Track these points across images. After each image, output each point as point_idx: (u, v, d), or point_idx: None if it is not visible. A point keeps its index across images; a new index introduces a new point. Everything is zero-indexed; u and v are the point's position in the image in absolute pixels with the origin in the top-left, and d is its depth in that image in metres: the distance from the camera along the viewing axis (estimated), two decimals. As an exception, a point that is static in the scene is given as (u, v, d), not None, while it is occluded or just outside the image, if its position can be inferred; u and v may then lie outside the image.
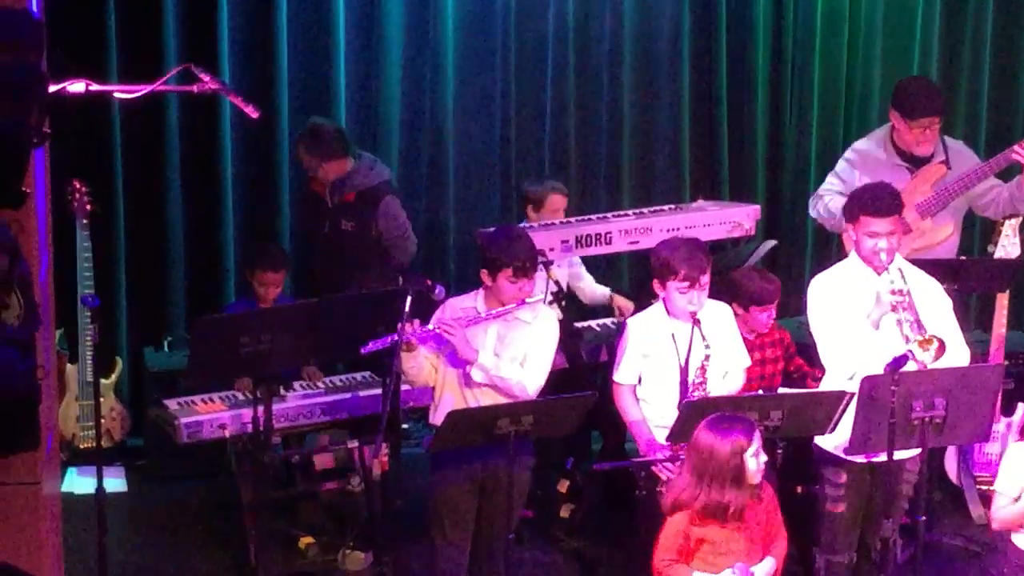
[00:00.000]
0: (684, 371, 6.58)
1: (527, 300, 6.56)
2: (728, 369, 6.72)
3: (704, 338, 6.50)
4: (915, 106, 7.85)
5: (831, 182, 8.10)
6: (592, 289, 8.45)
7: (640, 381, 6.71)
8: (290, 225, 9.06)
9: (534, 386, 6.58)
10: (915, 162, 7.94)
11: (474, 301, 6.66)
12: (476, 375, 6.53)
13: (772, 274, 7.62)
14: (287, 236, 9.02)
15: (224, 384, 7.55)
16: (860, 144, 8.20)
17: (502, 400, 6.51)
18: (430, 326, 6.53)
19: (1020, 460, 6.46)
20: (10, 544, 5.02)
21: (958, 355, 6.42)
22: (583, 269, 8.46)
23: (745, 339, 7.12)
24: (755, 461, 5.79)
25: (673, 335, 6.62)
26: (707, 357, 6.51)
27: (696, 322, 6.51)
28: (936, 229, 7.93)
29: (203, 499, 8.24)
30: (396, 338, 6.32)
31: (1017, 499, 6.38)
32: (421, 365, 6.56)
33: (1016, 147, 7.68)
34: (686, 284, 6.53)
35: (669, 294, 6.60)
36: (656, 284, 6.68)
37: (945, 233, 7.95)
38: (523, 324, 6.63)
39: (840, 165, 8.15)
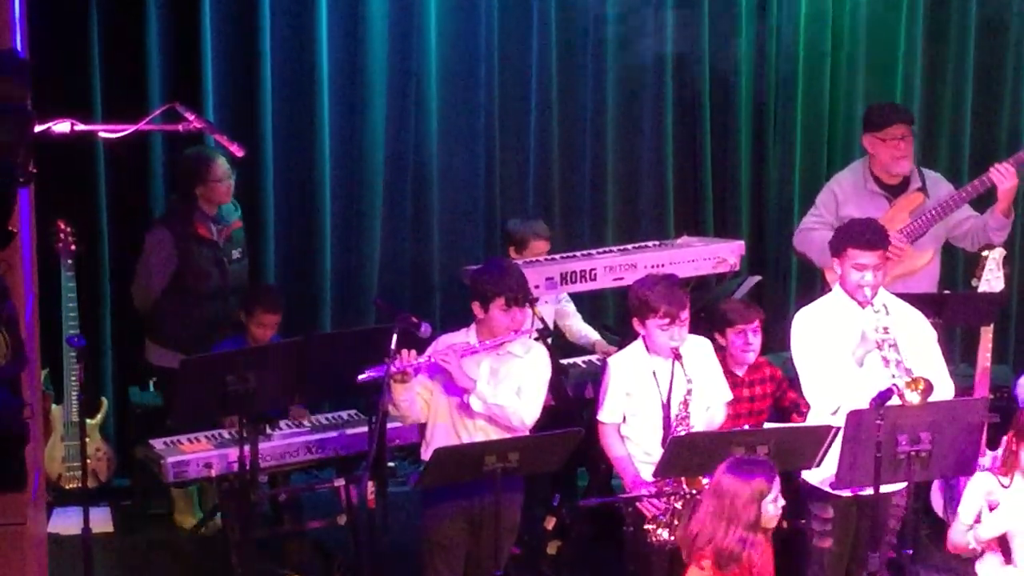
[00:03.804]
0: (667, 407, 6.58)
1: (519, 331, 6.57)
2: (710, 403, 6.72)
3: (685, 372, 6.50)
4: (883, 116, 7.93)
5: (813, 215, 8.15)
6: (579, 329, 8.41)
7: (624, 419, 6.71)
8: (275, 263, 9.05)
9: (530, 417, 6.57)
10: (893, 191, 8.00)
11: (466, 336, 6.65)
12: (474, 404, 6.49)
13: (755, 304, 7.63)
14: (272, 275, 9.01)
15: (211, 423, 7.54)
16: (840, 176, 8.27)
17: (495, 433, 6.49)
18: (423, 358, 6.52)
19: (978, 489, 6.60)
20: (-3, 584, 5.01)
21: (943, 389, 6.43)
22: (572, 307, 8.44)
23: (734, 375, 7.12)
24: (774, 507, 5.68)
25: (654, 372, 6.62)
26: (689, 391, 6.50)
27: (677, 357, 6.51)
28: (916, 255, 7.94)
29: (190, 539, 8.20)
30: (389, 368, 6.32)
31: (970, 527, 6.53)
32: (413, 399, 6.53)
33: (994, 168, 7.73)
34: (666, 321, 6.53)
35: (650, 332, 6.61)
36: (636, 322, 6.68)
37: (925, 259, 7.98)
38: (515, 358, 6.63)
39: (821, 198, 8.20)
